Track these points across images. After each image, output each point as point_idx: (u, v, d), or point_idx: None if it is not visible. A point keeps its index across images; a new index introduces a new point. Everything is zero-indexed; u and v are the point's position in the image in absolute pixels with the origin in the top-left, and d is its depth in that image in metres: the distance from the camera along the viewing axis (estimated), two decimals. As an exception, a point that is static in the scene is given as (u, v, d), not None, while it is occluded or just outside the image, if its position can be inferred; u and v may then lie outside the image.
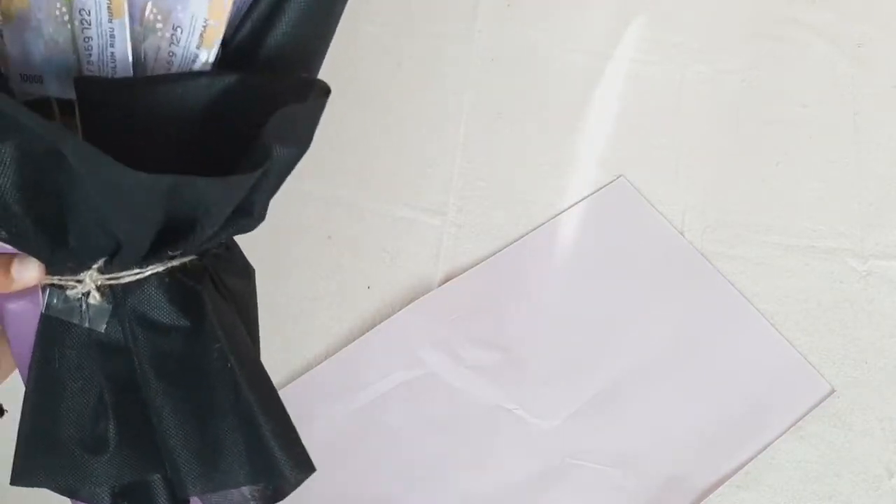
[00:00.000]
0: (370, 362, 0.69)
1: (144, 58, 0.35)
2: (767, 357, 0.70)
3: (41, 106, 0.35)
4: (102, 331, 0.37)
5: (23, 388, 0.38)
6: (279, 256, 0.75)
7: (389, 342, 0.70)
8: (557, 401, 0.68)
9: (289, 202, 0.76)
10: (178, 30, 0.34)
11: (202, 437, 0.37)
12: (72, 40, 0.34)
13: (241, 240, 0.41)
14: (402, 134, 0.82)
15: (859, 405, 0.68)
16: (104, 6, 0.33)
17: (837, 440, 0.67)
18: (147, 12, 0.34)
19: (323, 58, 0.39)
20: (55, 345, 0.37)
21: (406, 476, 0.65)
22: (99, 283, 0.36)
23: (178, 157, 0.33)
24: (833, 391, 0.69)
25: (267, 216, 0.37)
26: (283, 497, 0.40)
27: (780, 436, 0.66)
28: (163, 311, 0.37)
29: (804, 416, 0.67)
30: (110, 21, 0.33)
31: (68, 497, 0.38)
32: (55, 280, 0.36)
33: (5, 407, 0.41)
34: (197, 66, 0.35)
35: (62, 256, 0.35)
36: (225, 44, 0.35)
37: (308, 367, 0.69)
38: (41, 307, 0.37)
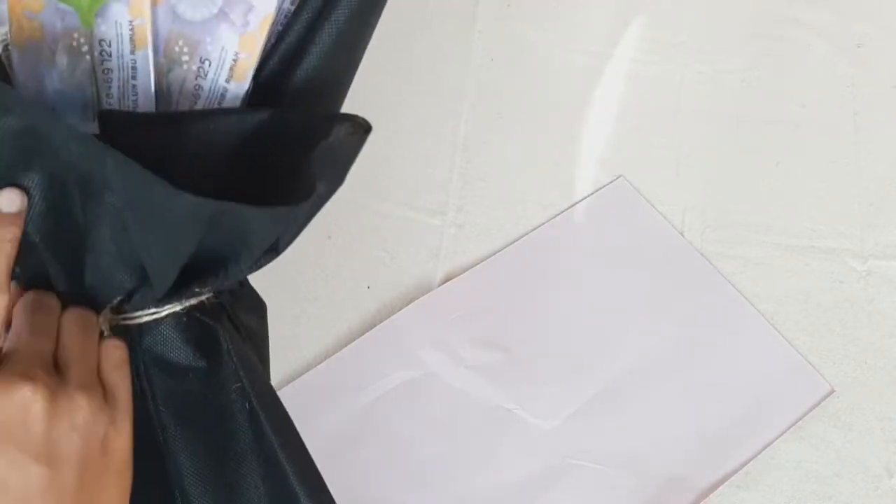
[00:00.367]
0: (370, 362, 0.69)
1: (168, 91, 0.34)
2: (767, 357, 0.70)
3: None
4: None
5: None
6: (279, 256, 0.75)
7: (389, 342, 0.70)
8: (557, 401, 0.68)
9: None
10: (206, 63, 0.33)
11: (220, 480, 0.36)
12: (90, 72, 0.33)
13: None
14: (402, 134, 0.82)
15: (859, 405, 0.68)
16: (126, 37, 0.32)
17: (837, 440, 0.67)
18: (173, 44, 0.33)
19: (349, 86, 0.37)
20: None
21: (406, 476, 0.65)
22: (113, 323, 0.34)
23: (205, 194, 0.31)
24: (833, 391, 0.69)
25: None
26: None
27: (780, 436, 0.66)
28: (179, 351, 0.35)
29: (804, 416, 0.67)
30: (132, 53, 0.32)
31: None
32: None
33: None
34: (226, 101, 0.33)
35: (76, 295, 0.34)
36: (254, 77, 0.34)
37: (308, 367, 0.69)
38: None
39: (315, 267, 0.74)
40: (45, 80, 0.33)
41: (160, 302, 0.34)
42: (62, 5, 0.31)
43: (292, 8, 0.34)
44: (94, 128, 0.33)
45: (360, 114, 0.33)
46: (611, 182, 0.79)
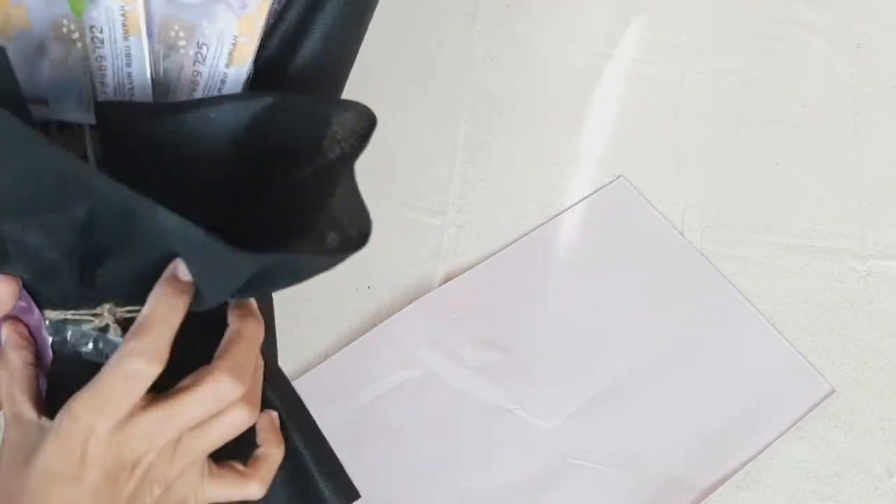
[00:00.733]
0: (370, 362, 0.69)
1: (166, 78, 0.32)
2: (767, 357, 0.70)
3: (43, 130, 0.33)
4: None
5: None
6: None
7: (389, 342, 0.70)
8: (557, 401, 0.68)
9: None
10: (205, 47, 0.31)
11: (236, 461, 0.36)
12: (82, 60, 0.31)
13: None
14: (402, 134, 0.82)
15: (859, 405, 0.68)
16: (118, 23, 0.30)
17: (837, 440, 0.67)
18: (168, 29, 0.31)
19: (350, 69, 0.36)
20: (58, 378, 0.34)
21: (406, 476, 0.65)
22: (117, 315, 0.34)
23: (207, 185, 0.31)
24: (833, 391, 0.69)
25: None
26: None
27: (780, 436, 0.66)
28: (187, 338, 0.34)
29: (804, 416, 0.67)
30: (126, 39, 0.31)
31: None
32: (69, 315, 0.34)
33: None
34: (227, 86, 0.32)
35: (84, 294, 0.33)
36: (253, 61, 0.33)
37: (308, 367, 0.69)
38: (48, 343, 0.34)
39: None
40: (36, 70, 0.31)
41: None
42: None
43: None
44: (90, 118, 0.32)
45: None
46: (611, 182, 0.79)
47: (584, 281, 0.74)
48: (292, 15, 0.33)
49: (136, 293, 0.33)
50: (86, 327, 0.34)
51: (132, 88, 0.32)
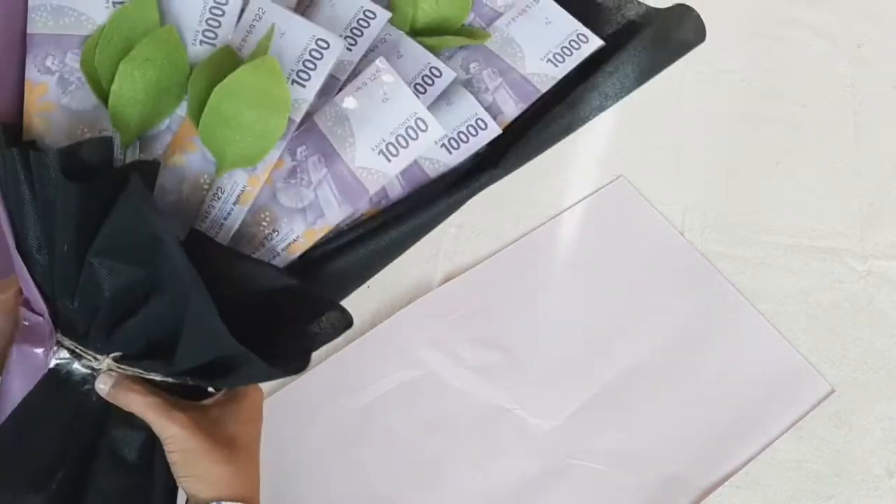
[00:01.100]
0: (370, 362, 0.69)
1: (241, 236, 0.44)
2: (767, 357, 0.70)
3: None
4: (94, 400, 0.42)
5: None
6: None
7: (389, 342, 0.70)
8: (557, 401, 0.68)
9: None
10: (275, 232, 0.44)
11: None
12: (200, 201, 0.43)
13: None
14: (402, 134, 0.82)
15: (859, 405, 0.68)
16: (236, 193, 0.43)
17: (837, 440, 0.67)
18: (261, 212, 0.44)
19: (368, 279, 0.48)
20: (49, 395, 0.42)
21: (406, 476, 0.65)
22: (110, 367, 0.42)
23: (236, 314, 0.39)
24: (833, 391, 0.69)
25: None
26: None
27: (780, 436, 0.66)
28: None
29: (804, 416, 0.67)
30: (234, 204, 0.44)
31: None
32: (77, 348, 0.42)
33: None
34: (275, 261, 0.44)
35: (97, 337, 0.41)
36: (301, 256, 0.45)
37: (308, 367, 0.69)
38: (48, 360, 0.42)
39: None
40: (169, 185, 0.43)
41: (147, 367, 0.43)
42: (209, 155, 0.43)
43: (346, 227, 0.46)
44: (182, 232, 0.43)
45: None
46: (611, 182, 0.79)
47: (584, 281, 0.74)
48: (341, 241, 0.45)
49: (139, 355, 0.42)
50: (83, 363, 0.42)
51: (219, 232, 0.44)
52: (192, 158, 0.43)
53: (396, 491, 0.64)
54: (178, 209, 0.43)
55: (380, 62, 0.44)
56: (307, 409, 0.67)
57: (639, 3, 0.53)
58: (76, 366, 0.42)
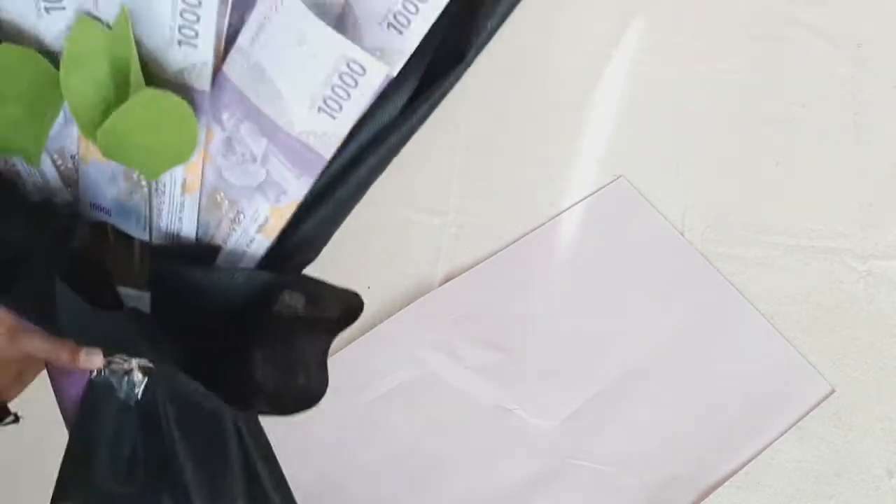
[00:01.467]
0: (370, 362, 0.69)
1: (207, 224, 0.40)
2: (767, 357, 0.70)
3: (99, 227, 0.41)
4: (139, 398, 0.43)
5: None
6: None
7: (389, 342, 0.70)
8: (557, 401, 0.68)
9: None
10: (241, 214, 0.39)
11: (214, 482, 0.43)
12: (145, 199, 0.39)
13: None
14: (402, 134, 0.82)
15: (859, 405, 0.68)
16: (179, 183, 0.38)
17: (837, 440, 0.67)
18: (215, 193, 0.39)
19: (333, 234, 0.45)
20: (98, 405, 0.43)
21: (406, 476, 0.65)
22: (140, 364, 0.43)
23: (209, 325, 0.39)
24: (833, 391, 0.69)
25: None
26: None
27: (780, 436, 0.66)
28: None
29: (804, 416, 0.67)
30: (182, 195, 0.39)
31: None
32: (114, 360, 0.43)
33: (20, 414, 0.45)
34: (252, 246, 0.40)
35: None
36: None
37: (308, 367, 0.69)
38: (89, 374, 0.43)
39: (315, 267, 0.74)
40: (104, 190, 0.39)
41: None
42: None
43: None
44: (144, 236, 0.40)
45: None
46: (611, 182, 0.79)
47: (584, 281, 0.74)
48: (301, 205, 0.39)
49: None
50: (115, 367, 0.43)
51: (181, 228, 0.39)
52: (110, 163, 0.38)
53: (397, 489, 0.64)
54: (126, 210, 0.39)
55: None
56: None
57: None
58: (113, 371, 0.44)
